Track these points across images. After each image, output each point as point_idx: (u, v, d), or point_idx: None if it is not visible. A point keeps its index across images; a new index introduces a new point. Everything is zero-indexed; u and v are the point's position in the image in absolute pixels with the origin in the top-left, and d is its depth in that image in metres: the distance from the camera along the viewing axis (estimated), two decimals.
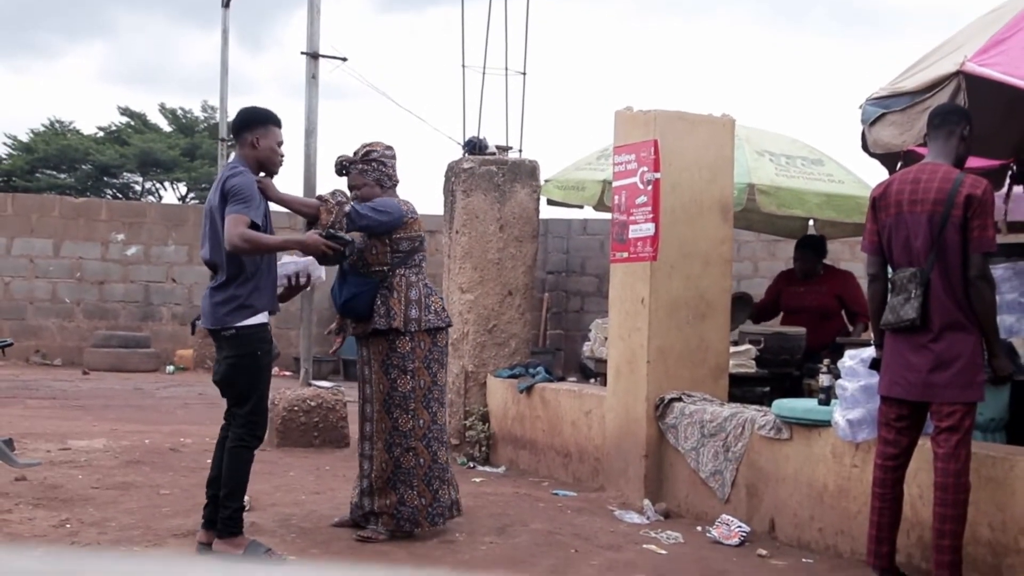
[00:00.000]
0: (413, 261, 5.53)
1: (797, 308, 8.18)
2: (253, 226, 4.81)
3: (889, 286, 4.60)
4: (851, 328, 8.12)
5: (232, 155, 5.24)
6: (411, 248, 5.50)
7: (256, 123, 5.05)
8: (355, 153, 5.61)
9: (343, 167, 5.60)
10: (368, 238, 5.44)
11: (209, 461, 5.30)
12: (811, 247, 8.33)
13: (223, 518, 4.92)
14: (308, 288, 5.58)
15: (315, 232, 5.18)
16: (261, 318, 4.97)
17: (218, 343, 5.03)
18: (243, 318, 4.91)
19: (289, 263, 5.41)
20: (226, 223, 4.78)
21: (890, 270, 4.64)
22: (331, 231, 5.19)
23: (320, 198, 5.40)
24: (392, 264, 5.46)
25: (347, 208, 5.34)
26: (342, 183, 5.65)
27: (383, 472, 5.44)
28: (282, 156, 5.15)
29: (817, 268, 8.30)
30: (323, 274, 5.47)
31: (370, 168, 5.56)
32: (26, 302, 17.05)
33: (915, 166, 4.68)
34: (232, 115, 5.28)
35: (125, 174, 28.14)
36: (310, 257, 5.26)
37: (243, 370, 4.96)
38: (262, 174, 5.06)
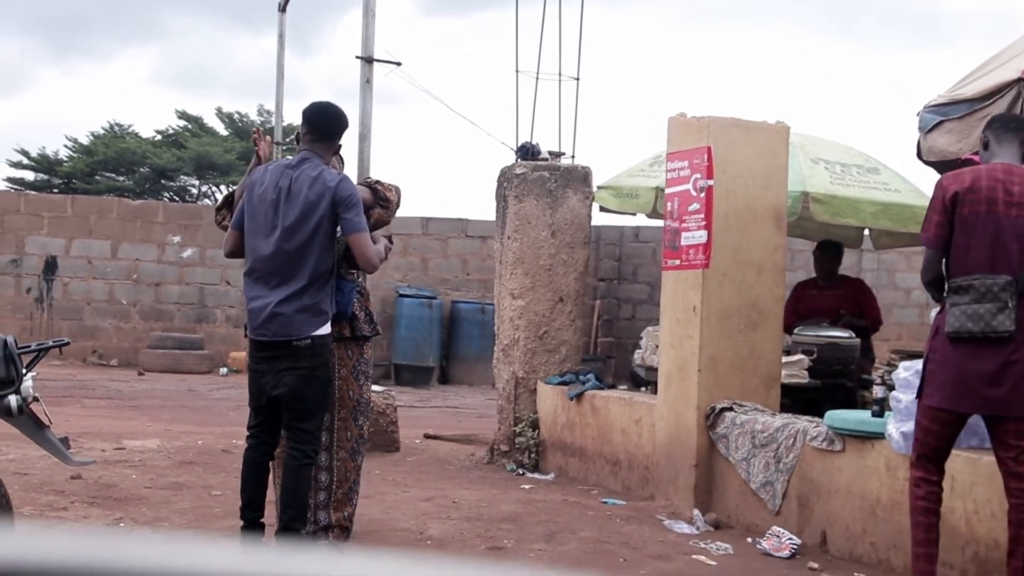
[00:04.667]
0: None
1: (809, 311, 7.95)
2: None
3: (953, 288, 4.24)
4: None
5: (305, 152, 4.84)
6: None
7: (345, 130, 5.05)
8: None
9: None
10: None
11: None
12: (833, 247, 8.35)
13: (291, 541, 4.64)
14: None
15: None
16: (329, 326, 4.78)
17: (280, 355, 4.70)
18: (318, 326, 4.70)
19: None
20: (360, 243, 4.66)
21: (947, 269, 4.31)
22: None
23: (367, 183, 5.28)
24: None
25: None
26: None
27: (345, 482, 5.18)
28: None
29: (837, 271, 8.34)
30: None
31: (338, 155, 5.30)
32: (84, 303, 17.31)
33: (993, 165, 4.29)
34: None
35: (182, 177, 28.51)
36: None
37: (316, 382, 4.72)
38: None
